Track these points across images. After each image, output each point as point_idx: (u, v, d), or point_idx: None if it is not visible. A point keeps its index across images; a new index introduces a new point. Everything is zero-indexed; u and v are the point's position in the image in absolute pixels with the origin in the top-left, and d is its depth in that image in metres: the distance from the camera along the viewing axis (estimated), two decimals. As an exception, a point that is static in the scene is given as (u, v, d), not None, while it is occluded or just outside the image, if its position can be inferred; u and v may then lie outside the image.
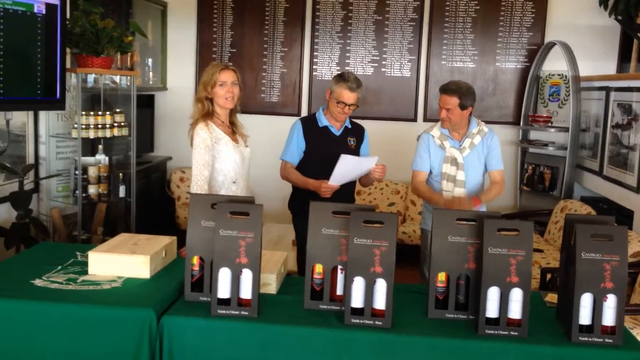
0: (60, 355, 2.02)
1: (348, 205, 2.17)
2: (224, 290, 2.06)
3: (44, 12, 3.64)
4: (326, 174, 3.21)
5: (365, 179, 3.45)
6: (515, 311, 1.99)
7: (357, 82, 3.36)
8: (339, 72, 3.47)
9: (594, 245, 1.95)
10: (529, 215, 5.28)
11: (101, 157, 4.22)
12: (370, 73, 5.90)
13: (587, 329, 1.97)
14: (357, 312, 2.03)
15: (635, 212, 4.22)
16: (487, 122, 3.68)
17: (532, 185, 5.64)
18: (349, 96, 3.33)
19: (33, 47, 3.54)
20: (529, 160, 5.71)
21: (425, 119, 5.78)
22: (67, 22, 3.87)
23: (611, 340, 1.96)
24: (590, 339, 1.96)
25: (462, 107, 3.29)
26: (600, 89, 4.96)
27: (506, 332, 1.99)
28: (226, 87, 2.94)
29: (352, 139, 3.50)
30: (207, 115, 2.94)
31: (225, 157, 2.94)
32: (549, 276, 3.77)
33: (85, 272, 2.31)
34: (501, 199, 5.72)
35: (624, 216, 4.29)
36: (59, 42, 3.74)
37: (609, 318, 1.97)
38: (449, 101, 3.29)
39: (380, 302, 2.03)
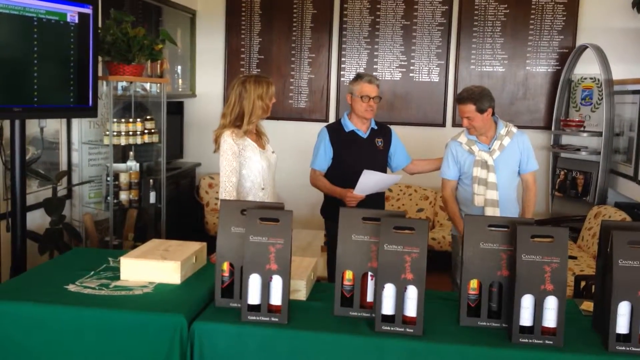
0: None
1: (378, 212, 2.15)
2: (254, 296, 2.06)
3: (76, 21, 3.71)
4: (356, 178, 3.22)
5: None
6: (550, 319, 1.95)
7: (374, 76, 3.50)
8: (354, 76, 3.55)
9: (632, 252, 1.90)
10: (561, 221, 5.18)
11: (132, 164, 4.27)
12: (398, 78, 5.87)
13: (624, 338, 1.93)
14: (387, 319, 2.02)
15: (672, 218, 4.11)
16: (518, 127, 3.64)
17: (565, 191, 5.54)
18: (370, 89, 3.42)
19: (66, 56, 3.60)
20: (560, 166, 5.61)
21: (454, 124, 5.72)
22: (99, 31, 3.93)
23: (650, 350, 1.91)
24: (627, 349, 1.91)
25: (481, 111, 3.28)
26: (634, 92, 4.86)
27: (541, 341, 1.95)
28: (273, 100, 3.06)
29: (379, 140, 3.52)
30: (238, 124, 2.97)
31: (252, 164, 2.97)
32: (583, 284, 3.69)
33: (118, 278, 2.34)
34: (532, 205, 5.65)
35: (660, 222, 4.18)
36: (92, 51, 3.79)
37: (647, 327, 1.91)
38: (465, 109, 3.29)
39: (411, 309, 2.01)
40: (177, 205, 5.16)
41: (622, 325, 1.92)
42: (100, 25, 4.00)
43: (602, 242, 2.05)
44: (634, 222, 3.83)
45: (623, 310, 1.92)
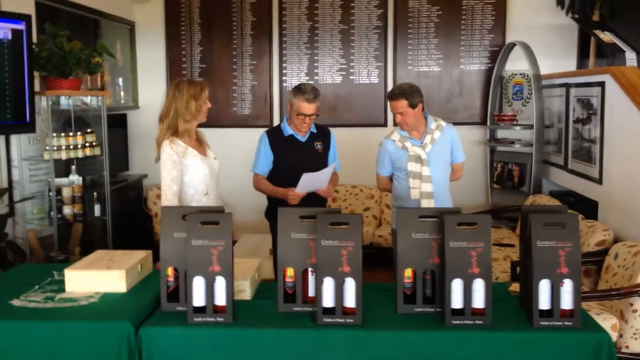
0: (41, 372, 2.06)
1: (314, 209, 2.25)
2: (199, 298, 2.12)
3: (9, 37, 3.69)
4: (297, 180, 3.32)
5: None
6: (478, 301, 2.09)
7: (315, 92, 3.46)
8: (297, 85, 3.57)
9: (548, 233, 2.05)
10: (500, 212, 5.41)
11: (74, 178, 4.25)
12: (339, 81, 6.01)
13: (547, 314, 2.07)
14: (328, 311, 2.11)
15: (599, 202, 4.36)
16: (455, 124, 3.83)
17: (502, 183, 5.78)
18: (307, 107, 3.45)
19: (1, 73, 3.58)
20: (497, 159, 5.85)
21: (395, 124, 5.87)
22: (34, 46, 3.91)
23: (570, 323, 2.06)
24: (550, 323, 2.06)
25: (412, 106, 3.43)
26: (560, 85, 5.12)
27: (471, 322, 2.08)
28: (207, 103, 3.10)
29: (318, 143, 3.62)
30: (174, 132, 3.02)
31: (194, 170, 3.03)
32: (519, 269, 3.88)
33: (63, 290, 2.35)
34: (473, 197, 5.88)
35: (590, 208, 4.43)
36: (26, 66, 3.78)
37: (566, 302, 2.07)
38: (398, 105, 3.43)
39: (350, 300, 2.11)
40: (125, 217, 5.14)
41: (543, 301, 2.07)
42: (35, 40, 3.98)
43: (523, 226, 2.20)
44: (550, 206, 4.07)
45: (544, 287, 2.07)
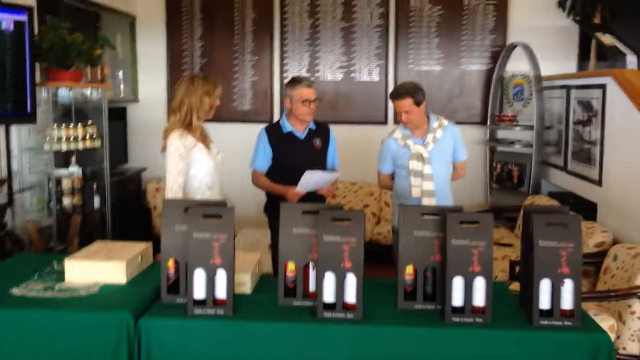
0: (40, 361, 2.06)
1: (317, 205, 2.25)
2: (199, 290, 2.12)
3: (12, 28, 3.68)
4: (295, 177, 3.33)
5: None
6: (479, 299, 2.09)
7: (310, 79, 3.61)
8: (290, 79, 3.64)
9: (550, 233, 2.06)
10: (499, 211, 5.41)
11: (74, 169, 4.24)
12: (340, 79, 6.01)
13: (547, 313, 2.08)
14: (329, 306, 2.11)
15: (598, 204, 4.37)
16: (456, 123, 3.82)
17: (502, 183, 5.79)
18: (310, 92, 3.50)
19: (2, 63, 3.57)
20: (497, 159, 5.86)
21: (396, 121, 5.88)
22: (35, 38, 3.90)
23: (570, 323, 2.06)
24: (550, 322, 2.07)
25: (417, 103, 3.45)
26: (561, 87, 5.13)
27: (471, 319, 2.09)
28: (217, 101, 3.13)
29: (317, 140, 3.62)
30: (188, 125, 3.01)
31: (200, 164, 3.03)
32: (517, 269, 3.89)
33: (62, 280, 2.35)
34: (472, 197, 5.88)
35: (589, 209, 4.44)
36: (28, 58, 3.77)
37: (567, 302, 2.07)
38: (404, 104, 3.44)
39: (350, 295, 2.11)
40: (124, 210, 5.14)
41: (544, 301, 2.08)
42: (37, 32, 3.97)
43: (525, 226, 2.20)
44: (552, 206, 4.07)
45: (544, 287, 2.07)
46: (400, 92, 3.46)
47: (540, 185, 5.43)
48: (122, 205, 5.07)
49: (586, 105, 4.65)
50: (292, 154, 3.54)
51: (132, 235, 4.91)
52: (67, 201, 4.13)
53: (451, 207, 2.24)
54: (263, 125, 3.77)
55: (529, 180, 5.44)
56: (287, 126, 3.60)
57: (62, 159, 4.31)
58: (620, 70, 4.34)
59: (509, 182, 5.71)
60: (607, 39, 5.13)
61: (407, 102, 3.43)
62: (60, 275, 2.39)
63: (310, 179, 3.35)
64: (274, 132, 3.61)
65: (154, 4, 6.05)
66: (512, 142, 5.67)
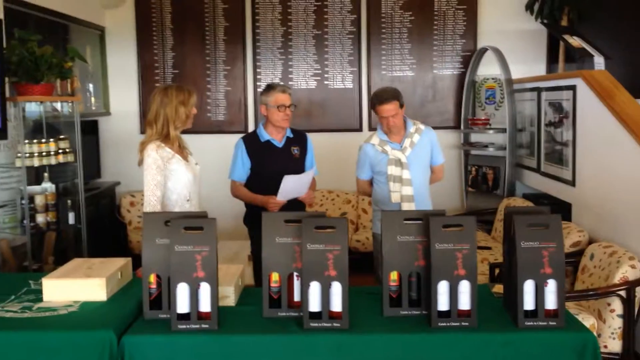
0: (21, 384, 2.01)
1: (299, 213, 2.24)
2: (182, 305, 2.09)
3: (-21, 42, 3.60)
4: (275, 186, 3.31)
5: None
6: (464, 303, 2.10)
7: (285, 85, 3.64)
8: (265, 86, 3.65)
9: (532, 234, 2.07)
10: (475, 215, 5.43)
11: (47, 185, 4.15)
12: (313, 86, 6.01)
13: (531, 314, 2.09)
14: (315, 316, 2.09)
15: (572, 204, 4.43)
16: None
17: (477, 186, 5.84)
18: (284, 97, 3.51)
19: (-30, 78, 3.49)
20: (472, 162, 5.91)
21: (371, 128, 5.91)
22: (5, 51, 3.82)
23: (554, 323, 2.08)
24: (535, 323, 2.08)
25: (401, 106, 3.50)
26: (532, 89, 5.21)
27: (457, 323, 2.09)
28: (194, 110, 3.10)
29: (295, 148, 3.61)
30: (165, 137, 2.98)
31: (178, 176, 2.99)
32: (497, 271, 3.92)
33: (40, 300, 2.29)
34: (448, 201, 5.92)
35: (563, 210, 4.50)
36: (-3, 72, 3.69)
37: (550, 302, 2.09)
38: (390, 108, 3.44)
39: (336, 304, 2.10)
40: (98, 226, 5.04)
41: (528, 302, 2.09)
42: (5, 45, 3.88)
43: (506, 228, 2.22)
44: (533, 207, 4.12)
45: (528, 288, 2.09)
46: (385, 96, 3.46)
47: (515, 187, 5.50)
48: (96, 221, 4.98)
49: (557, 107, 4.72)
50: (270, 163, 3.53)
51: (107, 251, 4.84)
52: (41, 218, 4.04)
53: (434, 211, 2.24)
54: (238, 136, 3.75)
55: (504, 183, 5.50)
56: (265, 135, 3.58)
57: (34, 175, 4.22)
58: (589, 71, 4.42)
59: (484, 185, 5.77)
60: (575, 41, 5.23)
61: (394, 106, 3.44)
62: (38, 295, 2.34)
63: (289, 185, 3.33)
64: (252, 142, 3.59)
65: (124, 15, 5.98)
66: (485, 146, 5.73)
